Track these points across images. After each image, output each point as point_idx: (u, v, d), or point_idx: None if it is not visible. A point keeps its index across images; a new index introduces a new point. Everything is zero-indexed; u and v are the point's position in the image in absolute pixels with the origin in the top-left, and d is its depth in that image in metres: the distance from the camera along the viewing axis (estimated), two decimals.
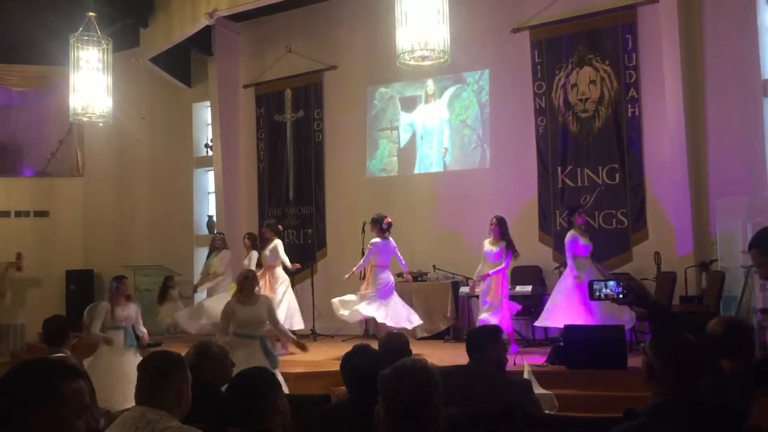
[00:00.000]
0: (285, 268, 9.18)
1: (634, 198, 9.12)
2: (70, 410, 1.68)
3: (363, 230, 9.41)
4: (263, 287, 8.58)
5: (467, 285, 9.41)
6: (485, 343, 3.77)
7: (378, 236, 8.37)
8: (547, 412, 4.24)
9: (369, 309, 8.13)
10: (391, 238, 8.47)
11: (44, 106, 13.61)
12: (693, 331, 2.75)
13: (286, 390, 5.75)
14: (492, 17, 10.17)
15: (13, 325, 12.21)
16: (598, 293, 2.68)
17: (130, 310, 7.03)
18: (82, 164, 13.77)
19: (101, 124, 9.95)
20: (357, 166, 11.28)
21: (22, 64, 12.95)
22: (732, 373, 2.86)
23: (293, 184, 11.78)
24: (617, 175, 9.22)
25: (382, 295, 8.26)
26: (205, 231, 12.56)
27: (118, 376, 6.66)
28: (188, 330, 9.58)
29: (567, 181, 9.54)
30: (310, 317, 10.33)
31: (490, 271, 7.96)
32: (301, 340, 9.89)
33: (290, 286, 9.17)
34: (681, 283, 8.26)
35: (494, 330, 3.99)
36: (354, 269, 8.51)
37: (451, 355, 7.23)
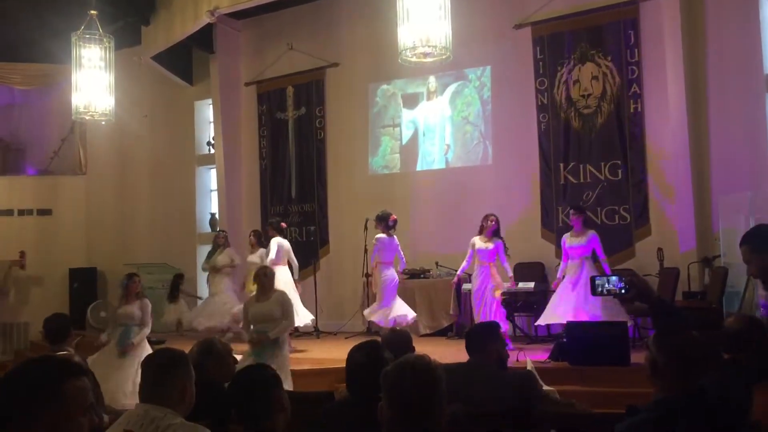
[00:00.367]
0: (290, 267, 9.22)
1: (637, 194, 9.11)
2: (74, 408, 1.68)
3: (365, 227, 9.41)
4: None
5: (470, 281, 9.42)
6: (483, 340, 3.76)
7: (383, 233, 8.40)
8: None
9: (376, 315, 8.43)
10: (395, 236, 8.50)
11: (46, 105, 13.63)
12: (696, 327, 2.74)
13: (290, 387, 5.82)
14: (494, 13, 10.16)
15: (17, 324, 12.24)
16: (600, 289, 2.67)
17: (132, 309, 7.01)
18: (85, 162, 13.79)
19: (103, 123, 9.96)
20: (359, 164, 11.28)
21: (25, 63, 12.96)
22: (738, 368, 2.86)
23: (295, 182, 11.79)
24: (620, 171, 9.21)
25: (387, 298, 8.38)
26: (208, 229, 12.57)
27: (118, 374, 6.69)
28: (198, 327, 9.57)
29: (569, 177, 9.53)
30: (313, 314, 10.34)
31: (510, 273, 8.09)
32: (302, 337, 10.01)
33: (293, 285, 9.11)
34: (684, 278, 8.26)
35: (492, 326, 3.97)
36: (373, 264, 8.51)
37: (453, 352, 7.21)
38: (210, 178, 13.05)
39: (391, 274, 8.46)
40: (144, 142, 13.16)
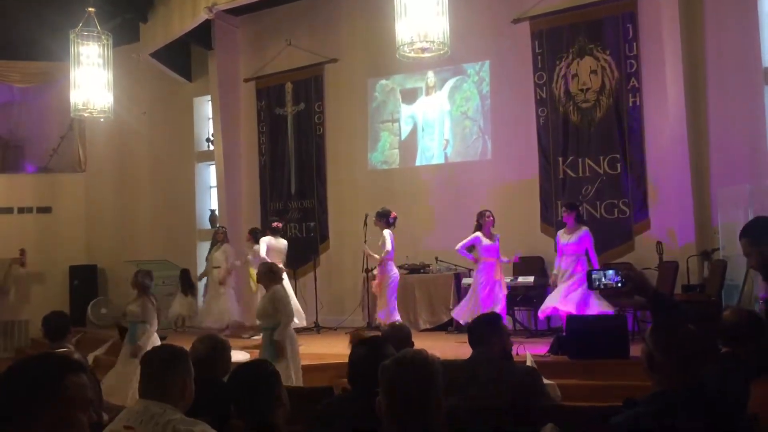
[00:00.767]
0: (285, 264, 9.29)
1: (636, 188, 9.12)
2: (73, 404, 1.69)
3: (365, 223, 9.42)
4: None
5: (469, 276, 9.45)
6: (485, 333, 3.73)
7: (385, 229, 8.46)
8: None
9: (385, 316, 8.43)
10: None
11: (45, 102, 13.63)
12: (696, 320, 2.75)
13: (296, 383, 5.85)
14: (492, 8, 10.14)
15: (18, 321, 12.25)
16: (597, 283, 2.68)
17: (134, 306, 7.03)
18: (84, 160, 13.79)
19: (102, 120, 9.96)
20: (358, 159, 11.28)
21: (23, 61, 12.95)
22: (736, 362, 2.86)
23: (295, 178, 11.79)
24: (618, 165, 9.21)
25: (392, 295, 8.47)
26: (208, 225, 12.59)
27: (120, 372, 6.76)
28: (213, 326, 9.58)
29: (568, 171, 9.53)
30: (314, 310, 10.37)
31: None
32: (302, 332, 10.03)
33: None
34: (683, 272, 8.27)
35: (493, 319, 3.93)
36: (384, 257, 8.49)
37: (453, 347, 7.24)
38: (209, 175, 13.05)
39: (395, 270, 8.58)
40: (143, 139, 13.16)
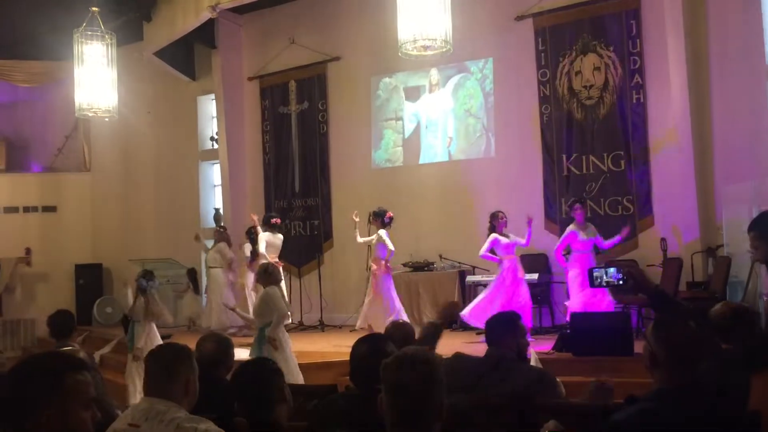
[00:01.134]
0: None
1: (640, 184, 9.10)
2: (76, 402, 1.70)
3: (369, 221, 9.42)
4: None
5: (474, 273, 9.47)
6: (500, 331, 3.67)
7: (381, 229, 8.44)
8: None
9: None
10: None
11: (50, 102, 13.66)
12: (699, 317, 2.76)
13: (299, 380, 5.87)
14: (495, 5, 10.13)
15: (24, 320, 12.30)
16: (598, 280, 2.69)
17: (137, 305, 7.10)
18: (89, 159, 13.83)
19: (107, 119, 9.97)
20: (362, 157, 11.29)
21: (27, 60, 12.99)
22: (733, 357, 2.87)
23: (299, 176, 11.80)
24: (622, 162, 9.20)
25: (391, 291, 8.42)
26: (212, 224, 12.58)
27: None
28: (216, 328, 9.60)
29: (572, 168, 9.52)
30: (318, 308, 10.40)
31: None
32: (306, 330, 10.06)
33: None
34: (687, 269, 8.26)
35: (510, 317, 3.85)
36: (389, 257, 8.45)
37: (458, 344, 7.24)
38: (213, 174, 13.07)
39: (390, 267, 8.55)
40: (147, 138, 13.19)
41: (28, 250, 12.55)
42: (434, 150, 10.81)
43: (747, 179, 7.90)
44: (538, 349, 6.71)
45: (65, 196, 13.58)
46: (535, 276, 8.89)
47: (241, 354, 5.29)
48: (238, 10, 11.78)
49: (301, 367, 6.66)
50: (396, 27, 7.02)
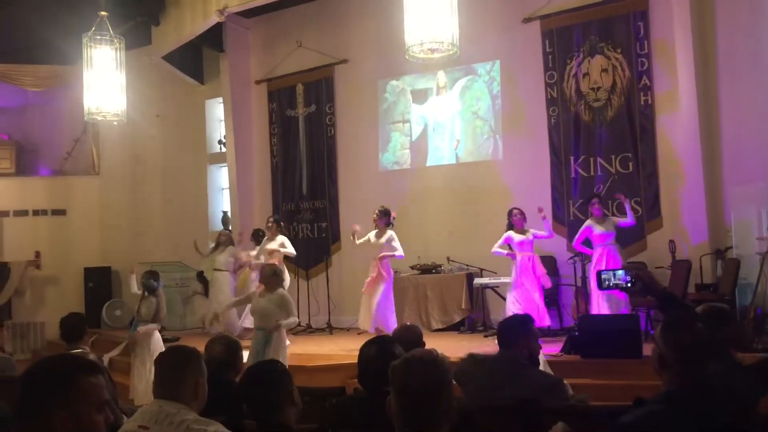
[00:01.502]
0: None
1: (648, 186, 9.08)
2: (89, 405, 1.71)
3: (373, 220, 9.41)
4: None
5: (482, 276, 9.47)
6: (512, 334, 3.65)
7: (388, 227, 8.44)
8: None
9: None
10: None
11: (59, 106, 13.72)
12: (705, 319, 2.75)
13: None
14: (502, 7, 10.14)
15: (33, 323, 12.35)
16: (606, 283, 2.69)
17: (144, 307, 7.14)
18: (98, 162, 13.89)
19: (116, 123, 10.01)
20: (369, 160, 11.30)
21: (36, 64, 13.05)
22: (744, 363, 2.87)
23: (306, 179, 11.82)
24: (630, 164, 9.18)
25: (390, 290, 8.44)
26: (220, 227, 12.61)
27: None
28: (237, 328, 9.62)
29: (580, 170, 9.51)
30: (326, 311, 10.41)
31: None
32: (315, 333, 10.07)
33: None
34: (696, 270, 8.23)
35: (523, 320, 3.81)
36: (395, 255, 8.41)
37: (466, 347, 7.25)
38: (221, 176, 13.11)
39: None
40: (156, 142, 13.24)
41: (37, 254, 12.61)
42: (441, 152, 10.82)
43: (756, 181, 7.87)
44: (546, 351, 6.70)
45: (74, 199, 13.63)
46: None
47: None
48: (246, 13, 11.83)
49: (310, 369, 6.69)
50: (403, 30, 7.02)
